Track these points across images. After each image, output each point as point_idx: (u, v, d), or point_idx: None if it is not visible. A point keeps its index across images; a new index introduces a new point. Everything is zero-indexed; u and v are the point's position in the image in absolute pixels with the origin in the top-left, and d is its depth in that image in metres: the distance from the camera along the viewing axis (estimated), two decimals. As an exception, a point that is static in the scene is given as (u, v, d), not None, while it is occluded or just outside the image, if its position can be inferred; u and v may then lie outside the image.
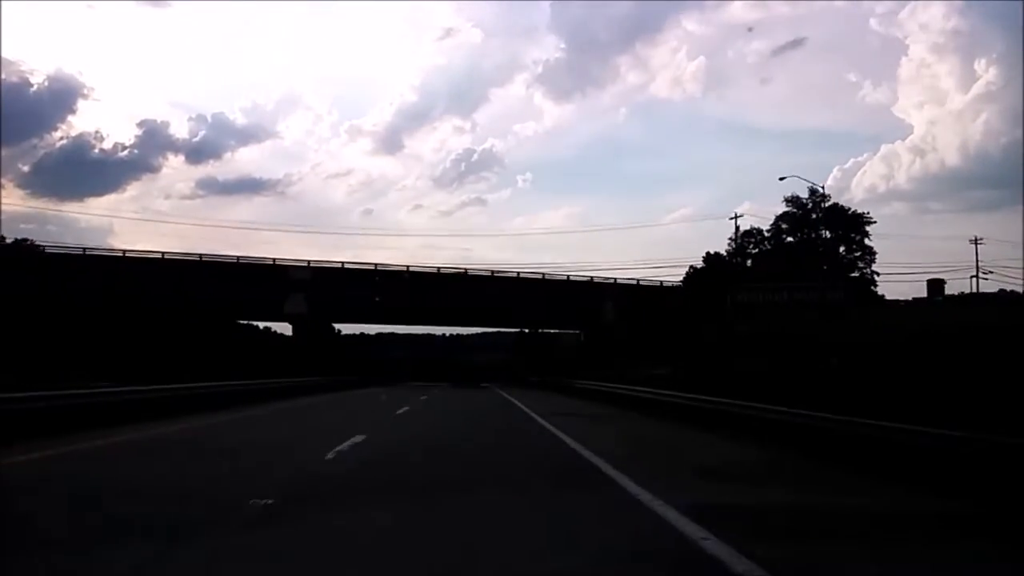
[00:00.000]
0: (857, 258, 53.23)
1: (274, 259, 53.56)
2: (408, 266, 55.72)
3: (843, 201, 57.97)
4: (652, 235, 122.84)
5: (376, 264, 54.92)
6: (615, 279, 57.68)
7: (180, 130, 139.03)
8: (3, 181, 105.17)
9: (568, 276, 57.69)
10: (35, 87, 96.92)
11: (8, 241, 44.20)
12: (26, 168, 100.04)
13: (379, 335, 75.45)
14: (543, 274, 57.63)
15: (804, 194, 52.42)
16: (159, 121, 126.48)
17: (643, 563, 5.14)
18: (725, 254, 53.14)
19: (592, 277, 57.97)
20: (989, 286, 53.99)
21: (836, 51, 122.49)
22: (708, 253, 53.05)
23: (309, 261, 53.34)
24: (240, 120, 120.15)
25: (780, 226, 53.96)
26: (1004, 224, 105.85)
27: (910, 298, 50.77)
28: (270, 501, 6.71)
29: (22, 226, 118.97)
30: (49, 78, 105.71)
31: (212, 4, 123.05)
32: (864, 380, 16.38)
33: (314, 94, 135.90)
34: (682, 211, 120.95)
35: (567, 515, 6.56)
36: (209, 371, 28.63)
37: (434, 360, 71.68)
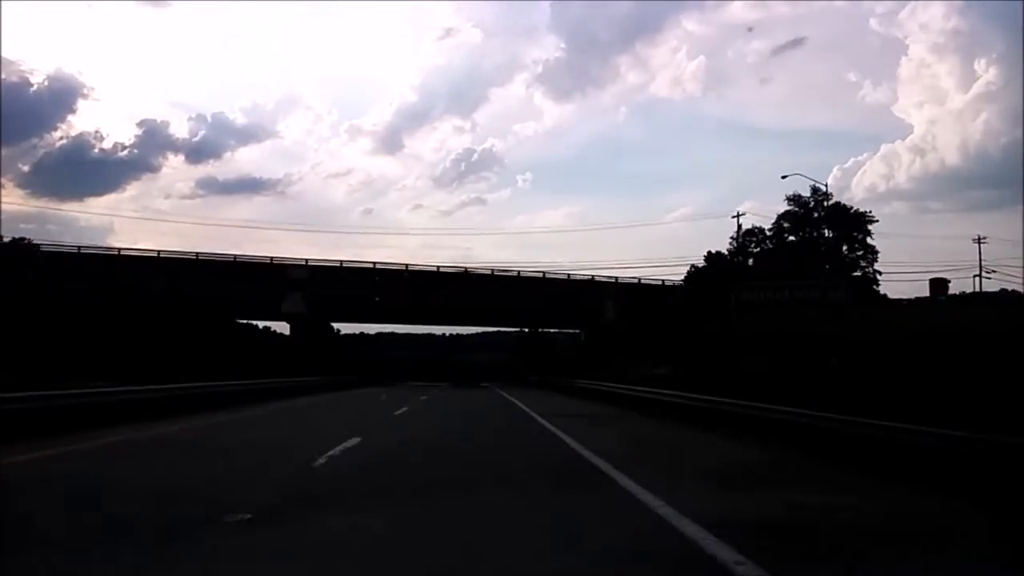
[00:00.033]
0: (859, 257, 53.07)
1: (271, 257, 53.31)
2: (407, 265, 55.46)
3: (843, 201, 57.77)
4: (652, 234, 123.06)
5: (375, 263, 54.60)
6: (616, 278, 57.48)
7: (180, 130, 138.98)
8: (3, 181, 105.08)
9: (569, 275, 57.65)
10: (35, 87, 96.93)
11: (6, 240, 44.01)
12: (26, 168, 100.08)
13: (379, 335, 75.46)
14: (543, 273, 57.44)
15: (805, 193, 52.34)
16: (159, 121, 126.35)
17: (643, 563, 5.12)
18: (727, 253, 53.02)
19: (593, 276, 57.84)
20: (990, 285, 54.00)
21: (836, 51, 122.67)
22: (710, 252, 52.91)
23: (307, 260, 53.03)
24: (240, 120, 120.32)
25: (782, 225, 53.75)
26: (1004, 224, 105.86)
27: (911, 297, 50.81)
28: (248, 516, 6.46)
29: (22, 226, 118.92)
30: (49, 78, 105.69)
31: (212, 4, 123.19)
32: (865, 380, 16.35)
33: (314, 94, 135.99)
34: (682, 210, 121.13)
35: (567, 515, 6.54)
36: (208, 371, 28.62)
37: (434, 360, 71.66)
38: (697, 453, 11.47)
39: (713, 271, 49.29)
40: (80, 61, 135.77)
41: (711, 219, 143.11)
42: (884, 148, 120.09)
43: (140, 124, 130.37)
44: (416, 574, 4.86)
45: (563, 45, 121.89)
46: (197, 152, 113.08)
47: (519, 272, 56.90)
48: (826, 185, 60.73)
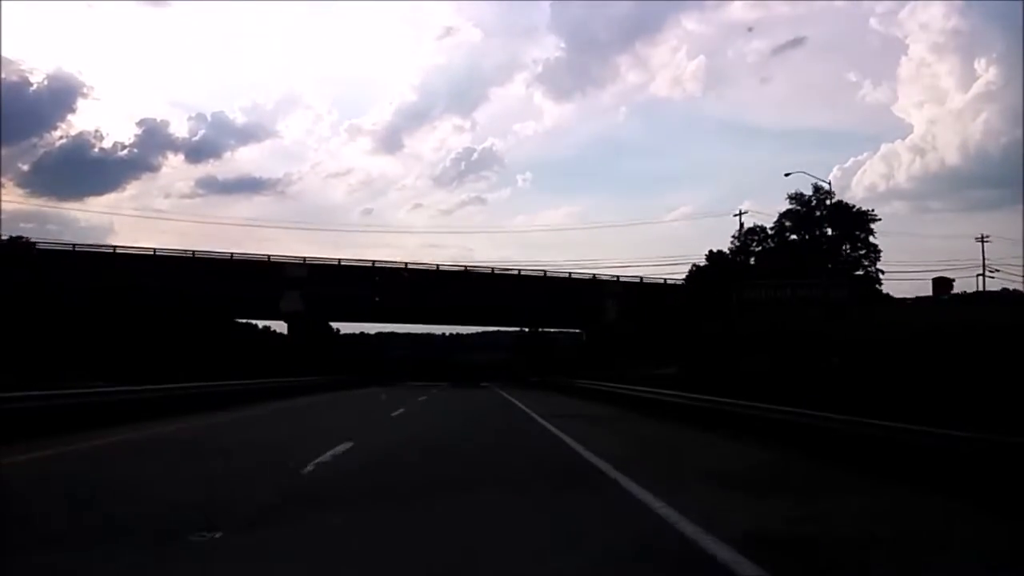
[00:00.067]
0: (862, 256, 52.82)
1: (269, 256, 52.83)
2: (407, 263, 55.13)
3: (843, 200, 57.51)
4: (652, 234, 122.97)
5: (374, 261, 54.25)
6: (618, 276, 57.09)
7: (180, 129, 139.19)
8: (3, 180, 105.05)
9: (570, 274, 57.17)
10: (35, 86, 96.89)
11: (3, 239, 43.94)
12: (26, 167, 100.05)
13: (379, 334, 75.49)
14: (544, 271, 56.98)
15: (807, 192, 52.10)
16: (159, 120, 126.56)
17: (644, 563, 5.11)
18: (728, 252, 52.83)
19: (595, 275, 57.40)
20: (992, 285, 53.87)
21: (836, 50, 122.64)
22: (711, 251, 52.65)
23: (305, 258, 52.61)
24: (240, 119, 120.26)
25: (784, 224, 53.48)
26: (1005, 223, 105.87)
27: (914, 297, 50.61)
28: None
29: (22, 225, 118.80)
30: (49, 77, 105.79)
31: (212, 4, 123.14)
32: (866, 379, 16.31)
33: (314, 94, 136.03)
34: (682, 209, 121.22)
35: (568, 516, 6.52)
36: (207, 370, 28.60)
37: (434, 360, 71.63)
38: (697, 453, 11.45)
39: (715, 270, 49.14)
40: (80, 61, 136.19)
41: (711, 217, 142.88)
42: (884, 148, 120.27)
43: (140, 123, 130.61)
44: (417, 573, 4.84)
45: (563, 45, 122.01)
46: (197, 151, 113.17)
47: (519, 271, 56.57)
48: (829, 183, 60.62)
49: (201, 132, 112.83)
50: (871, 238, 52.83)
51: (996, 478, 7.00)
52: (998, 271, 55.00)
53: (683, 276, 53.84)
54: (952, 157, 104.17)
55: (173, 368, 28.95)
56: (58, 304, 37.16)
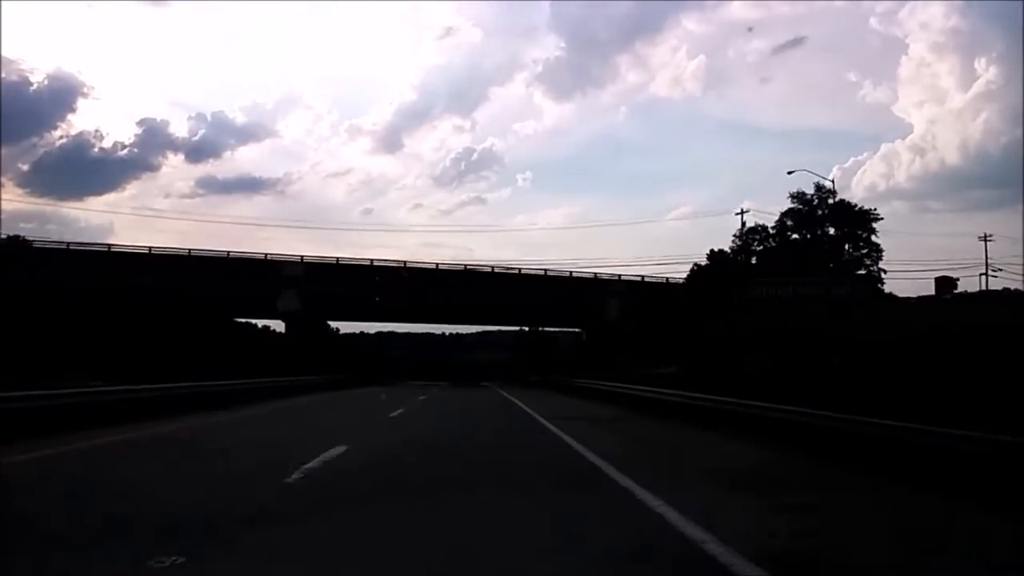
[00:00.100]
0: (863, 255, 52.69)
1: (266, 254, 52.28)
2: (405, 262, 54.72)
3: (845, 199, 57.31)
4: (652, 234, 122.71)
5: (372, 260, 53.90)
6: (619, 275, 56.89)
7: (180, 129, 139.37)
8: (3, 180, 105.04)
9: (571, 272, 56.87)
10: (35, 86, 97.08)
11: (2, 238, 43.92)
12: (26, 167, 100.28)
13: (378, 334, 75.46)
14: (545, 270, 56.65)
15: (809, 190, 51.99)
16: (159, 120, 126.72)
17: (644, 564, 5.10)
18: (729, 251, 52.73)
19: (596, 273, 57.18)
20: (994, 284, 53.78)
21: (836, 50, 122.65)
22: (712, 250, 52.57)
23: (302, 256, 52.11)
24: (240, 119, 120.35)
25: (785, 223, 53.36)
26: (1005, 223, 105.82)
27: (917, 296, 50.48)
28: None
29: (22, 225, 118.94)
30: (49, 77, 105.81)
31: (212, 4, 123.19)
32: (868, 378, 16.27)
33: (314, 94, 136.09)
34: (682, 209, 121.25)
35: (568, 516, 6.50)
36: (206, 370, 28.55)
37: (434, 359, 71.63)
38: (698, 452, 11.44)
39: (716, 269, 49.09)
40: (80, 60, 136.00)
41: (712, 216, 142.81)
42: (884, 148, 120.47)
43: (140, 123, 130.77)
44: (416, 574, 4.84)
45: (563, 44, 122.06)
46: (197, 151, 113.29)
47: (520, 270, 56.31)
48: (832, 181, 60.45)
49: (201, 132, 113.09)
50: (873, 237, 52.71)
51: (998, 478, 6.99)
52: (1001, 270, 54.95)
53: (684, 276, 53.82)
54: (952, 157, 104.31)
55: (172, 367, 28.93)
56: (57, 303, 37.13)
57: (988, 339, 15.86)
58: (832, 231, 52.02)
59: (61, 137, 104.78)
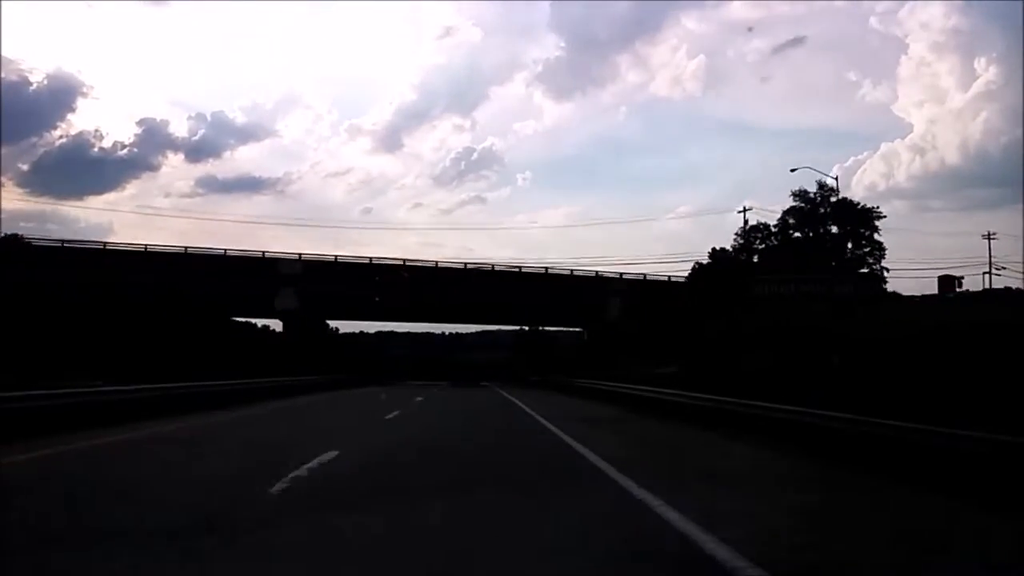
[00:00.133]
0: (866, 253, 52.50)
1: (263, 252, 51.58)
2: (405, 260, 54.22)
3: (848, 197, 57.04)
4: (653, 233, 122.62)
5: (371, 258, 53.45)
6: (621, 274, 56.53)
7: (180, 129, 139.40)
8: (3, 179, 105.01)
9: (572, 271, 56.43)
10: (34, 86, 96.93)
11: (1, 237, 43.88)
12: (25, 167, 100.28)
13: (378, 333, 75.47)
14: (546, 268, 56.22)
15: (811, 188, 51.71)
16: (159, 120, 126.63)
17: (644, 564, 5.09)
18: (731, 249, 52.59)
19: (597, 272, 56.79)
20: (997, 282, 53.69)
21: (836, 50, 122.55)
22: (714, 248, 52.38)
23: (300, 254, 51.47)
24: (240, 119, 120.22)
25: (787, 221, 53.09)
26: (1005, 222, 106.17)
27: (920, 294, 50.37)
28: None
29: (22, 224, 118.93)
30: (48, 77, 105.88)
31: (212, 4, 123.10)
32: (869, 377, 16.23)
33: (314, 93, 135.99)
34: (682, 208, 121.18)
35: (569, 516, 6.49)
36: (205, 369, 28.53)
37: (434, 359, 71.65)
38: (698, 453, 11.44)
39: (718, 268, 49.00)
40: (80, 60, 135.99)
41: (713, 214, 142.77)
42: (884, 147, 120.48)
43: (140, 123, 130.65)
44: (417, 573, 4.83)
45: (563, 44, 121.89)
46: (197, 151, 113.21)
47: (520, 268, 55.97)
48: (836, 179, 60.29)
49: (201, 132, 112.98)
50: (876, 236, 52.45)
51: (999, 478, 6.98)
52: (1005, 268, 54.84)
53: (686, 275, 53.69)
54: (952, 156, 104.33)
55: (172, 367, 28.91)
56: (56, 302, 37.08)
57: (991, 338, 15.80)
58: (835, 229, 51.80)
59: (61, 137, 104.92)
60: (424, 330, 77.64)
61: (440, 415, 21.28)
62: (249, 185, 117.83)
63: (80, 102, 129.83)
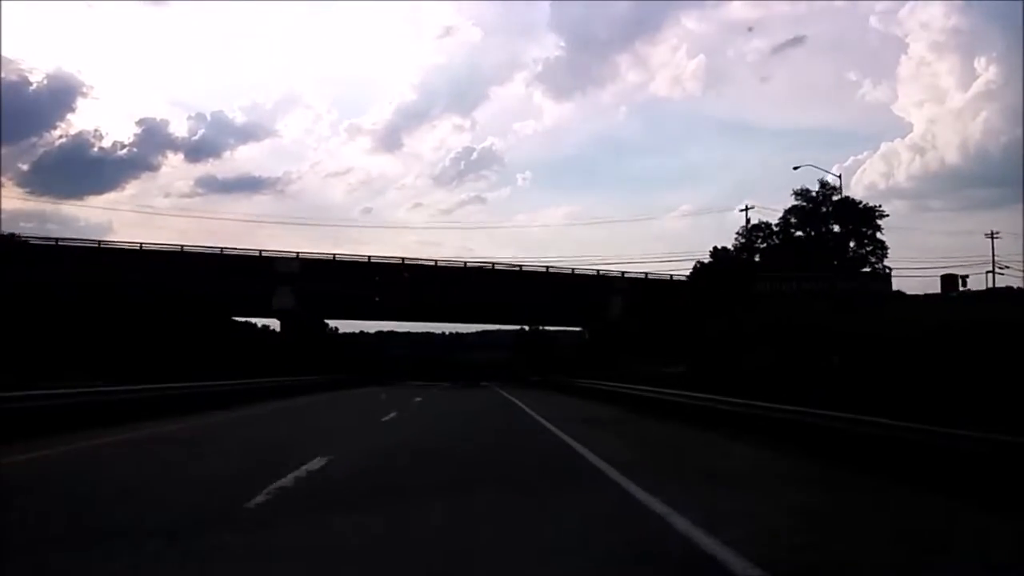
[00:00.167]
0: (868, 252, 52.38)
1: (260, 251, 51.04)
2: (404, 259, 53.81)
3: (850, 196, 56.85)
4: (653, 233, 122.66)
5: (370, 256, 52.97)
6: (623, 272, 56.24)
7: (179, 129, 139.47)
8: (3, 179, 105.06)
9: (573, 270, 55.97)
10: (34, 85, 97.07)
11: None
12: (25, 167, 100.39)
13: (378, 333, 75.44)
14: (547, 267, 55.75)
15: (813, 187, 51.58)
16: (158, 119, 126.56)
17: (645, 565, 5.09)
18: (732, 248, 52.47)
19: (598, 270, 56.44)
20: (1001, 281, 53.59)
21: (836, 49, 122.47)
22: (715, 247, 52.24)
23: (298, 253, 50.83)
24: (239, 119, 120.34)
25: (789, 220, 52.95)
26: (1005, 222, 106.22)
27: (923, 293, 50.26)
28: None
29: (22, 224, 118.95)
30: (48, 76, 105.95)
31: (212, 4, 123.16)
32: (871, 376, 16.18)
33: (314, 93, 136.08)
34: (683, 207, 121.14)
35: (569, 517, 6.49)
36: (205, 369, 28.52)
37: (434, 359, 71.64)
38: (698, 453, 11.43)
39: (720, 266, 48.93)
40: (79, 60, 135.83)
41: (714, 213, 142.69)
42: (884, 147, 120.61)
43: (139, 123, 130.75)
44: (417, 573, 4.83)
45: (563, 44, 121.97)
46: (196, 151, 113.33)
47: (521, 267, 55.55)
48: (839, 176, 60.15)
49: (201, 131, 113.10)
50: (878, 234, 52.28)
51: (999, 478, 6.97)
52: (1008, 267, 54.74)
53: (687, 274, 53.56)
54: (952, 156, 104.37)
55: (172, 367, 28.89)
56: (55, 302, 37.02)
57: (994, 336, 15.75)
58: (836, 228, 51.69)
59: (61, 137, 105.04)
60: (424, 330, 77.69)
61: (440, 416, 21.27)
62: (249, 185, 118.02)
63: (80, 102, 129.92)
